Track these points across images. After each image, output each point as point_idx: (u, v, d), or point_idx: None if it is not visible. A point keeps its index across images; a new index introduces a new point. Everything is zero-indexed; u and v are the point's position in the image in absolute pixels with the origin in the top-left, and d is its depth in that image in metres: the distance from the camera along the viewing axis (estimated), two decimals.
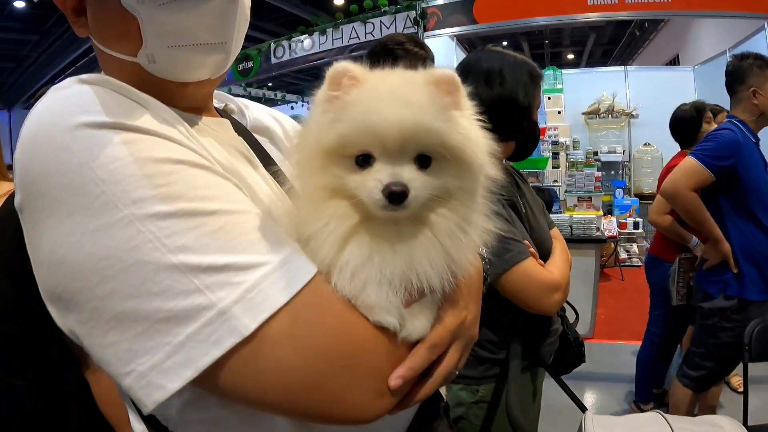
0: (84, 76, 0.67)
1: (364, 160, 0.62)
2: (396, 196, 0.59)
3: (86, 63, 17.38)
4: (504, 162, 1.81)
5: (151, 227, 0.57)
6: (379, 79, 0.65)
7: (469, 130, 0.65)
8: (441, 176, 0.64)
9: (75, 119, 0.60)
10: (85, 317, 0.59)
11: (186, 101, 0.81)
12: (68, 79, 0.68)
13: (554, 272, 1.62)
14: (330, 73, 0.65)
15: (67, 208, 0.58)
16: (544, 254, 1.69)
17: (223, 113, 0.95)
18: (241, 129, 0.91)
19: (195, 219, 0.58)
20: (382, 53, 2.15)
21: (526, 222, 1.69)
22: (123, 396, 0.75)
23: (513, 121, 1.65)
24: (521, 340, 1.64)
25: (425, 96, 0.63)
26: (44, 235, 0.60)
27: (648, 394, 3.73)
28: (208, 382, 0.58)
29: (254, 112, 1.01)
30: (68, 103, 0.63)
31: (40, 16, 15.12)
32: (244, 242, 0.60)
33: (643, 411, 3.61)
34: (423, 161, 0.63)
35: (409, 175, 0.61)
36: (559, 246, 1.77)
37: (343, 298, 0.62)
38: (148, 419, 0.72)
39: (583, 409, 1.65)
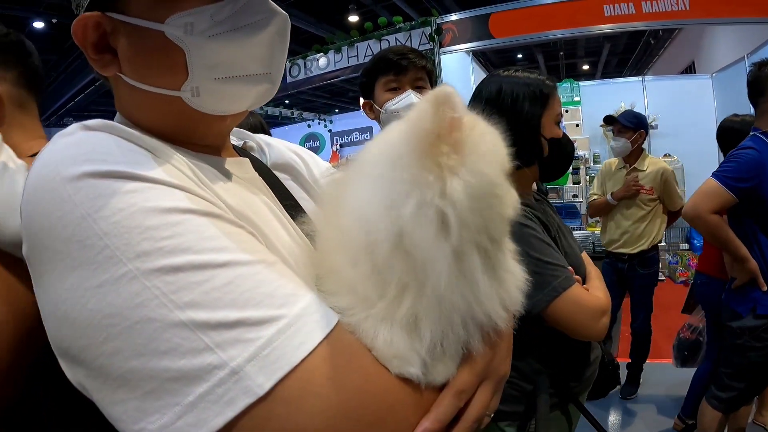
0: (89, 123, 0.65)
1: None
2: None
3: (106, 82, 17.67)
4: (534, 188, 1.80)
5: (156, 282, 0.54)
6: (488, 130, 0.65)
7: None
8: None
9: (77, 169, 0.58)
10: (93, 373, 0.56)
11: (210, 140, 0.80)
12: (73, 126, 0.65)
13: (600, 296, 1.57)
14: (437, 94, 0.59)
15: (71, 263, 0.56)
16: (580, 278, 1.64)
17: (242, 152, 0.92)
18: (261, 168, 0.89)
19: (203, 272, 0.55)
20: (385, 65, 2.10)
21: (560, 246, 1.66)
22: None
23: (524, 144, 1.61)
24: (554, 373, 1.59)
25: None
26: (49, 289, 0.58)
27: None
28: None
29: (275, 150, 1.00)
30: (71, 151, 0.61)
31: (60, 36, 15.38)
32: (258, 295, 0.56)
33: (687, 424, 3.54)
34: None
35: None
36: (594, 270, 1.73)
37: (365, 348, 0.59)
38: None
39: None
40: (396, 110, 2.01)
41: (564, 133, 1.72)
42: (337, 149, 10.79)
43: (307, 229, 0.74)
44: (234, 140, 0.95)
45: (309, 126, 11.37)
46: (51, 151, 0.62)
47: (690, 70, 12.31)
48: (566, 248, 1.69)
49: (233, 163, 0.82)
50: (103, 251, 0.54)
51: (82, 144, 0.62)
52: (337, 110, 18.16)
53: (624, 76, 17.71)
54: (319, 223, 0.70)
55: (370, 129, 9.85)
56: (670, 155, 8.63)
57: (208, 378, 0.52)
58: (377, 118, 2.15)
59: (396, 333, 0.60)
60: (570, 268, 1.54)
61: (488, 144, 0.61)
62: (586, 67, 19.71)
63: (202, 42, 0.69)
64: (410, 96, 2.01)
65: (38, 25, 14.16)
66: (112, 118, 0.77)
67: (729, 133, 3.54)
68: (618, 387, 1.89)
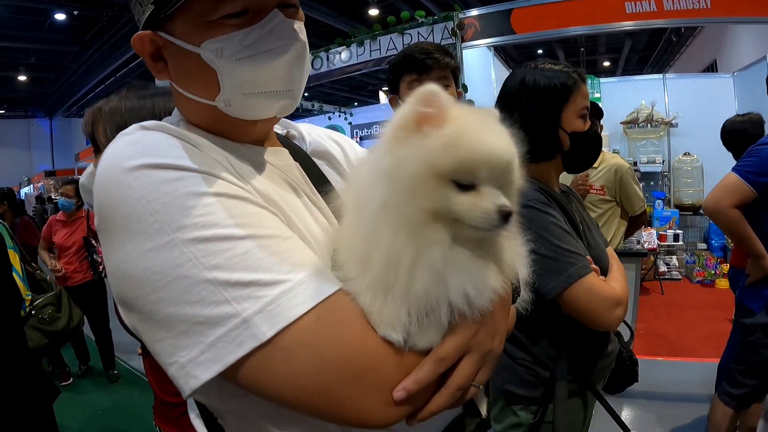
0: (145, 124, 0.81)
1: (465, 186, 0.69)
2: (506, 216, 0.69)
3: (126, 73, 17.80)
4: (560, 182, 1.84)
5: (191, 249, 0.69)
6: (472, 114, 0.74)
7: None
8: (511, 201, 0.71)
9: (135, 161, 0.73)
10: (143, 317, 0.72)
11: (252, 135, 0.93)
12: (132, 126, 0.81)
13: (616, 287, 1.59)
14: (420, 93, 0.72)
15: (129, 233, 0.71)
16: (602, 272, 1.66)
17: (285, 140, 1.04)
18: (300, 154, 1.01)
19: (227, 242, 0.70)
20: (410, 63, 2.13)
21: (584, 239, 1.69)
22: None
23: (541, 137, 1.66)
24: (570, 360, 1.62)
25: (505, 129, 0.73)
26: (113, 253, 0.74)
27: None
28: (233, 378, 0.69)
29: (314, 138, 1.11)
30: (131, 148, 0.76)
31: (81, 27, 15.57)
32: (269, 263, 0.70)
33: None
34: (503, 187, 0.71)
35: (506, 199, 0.70)
36: (615, 263, 1.76)
37: (360, 313, 0.72)
38: (202, 408, 0.87)
39: (627, 430, 1.64)
40: None
41: (591, 125, 1.72)
42: (357, 141, 10.78)
43: (335, 210, 0.85)
44: (278, 129, 1.07)
45: (329, 118, 11.40)
46: (115, 147, 0.78)
47: (712, 68, 12.19)
48: (590, 241, 1.72)
49: (272, 152, 0.95)
50: (153, 225, 0.70)
51: (139, 142, 0.77)
52: (356, 103, 18.17)
53: (645, 74, 17.57)
54: (343, 202, 0.81)
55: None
56: (689, 154, 8.60)
57: (225, 324, 0.67)
58: None
59: (387, 302, 0.70)
60: (589, 257, 1.57)
61: (443, 139, 0.69)
62: (606, 63, 19.59)
63: (230, 64, 0.81)
64: None
65: (60, 16, 14.33)
66: None
67: (735, 134, 3.57)
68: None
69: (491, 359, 0.81)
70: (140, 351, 1.86)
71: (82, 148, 19.96)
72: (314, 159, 1.04)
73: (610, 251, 1.82)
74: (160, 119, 1.13)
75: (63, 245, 5.15)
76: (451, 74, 2.16)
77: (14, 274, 2.58)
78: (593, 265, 1.56)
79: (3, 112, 24.35)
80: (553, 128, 1.67)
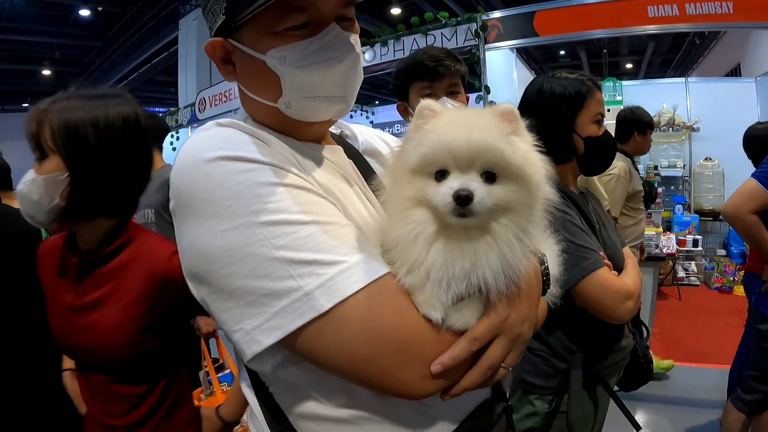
0: (221, 121, 0.93)
1: (441, 176, 0.79)
2: (463, 199, 0.75)
3: (149, 69, 17.98)
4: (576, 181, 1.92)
5: (262, 230, 0.78)
6: (453, 113, 0.83)
7: (527, 152, 0.81)
8: (504, 189, 0.78)
9: (213, 153, 0.83)
10: (212, 290, 0.82)
11: (310, 134, 1.03)
12: (209, 123, 0.93)
13: (627, 281, 1.69)
14: (417, 109, 0.85)
15: (205, 214, 0.81)
16: (617, 270, 1.75)
17: (339, 139, 1.15)
18: (353, 152, 1.12)
19: (293, 226, 0.79)
20: (420, 71, 2.14)
21: (600, 237, 1.78)
22: (236, 360, 1.03)
23: (556, 142, 1.73)
24: (585, 352, 1.69)
25: (490, 123, 0.80)
26: (189, 232, 0.84)
27: None
28: (292, 345, 0.79)
29: (366, 137, 1.23)
30: (209, 141, 0.87)
31: (105, 23, 15.75)
32: (330, 245, 0.80)
33: None
34: (489, 177, 0.78)
35: (475, 185, 0.76)
36: (631, 261, 1.84)
37: (405, 293, 0.81)
38: (252, 378, 0.96)
39: (638, 427, 1.68)
40: None
41: (606, 131, 1.82)
42: None
43: (382, 201, 0.93)
44: (333, 129, 1.16)
45: (351, 117, 11.43)
46: (194, 140, 0.89)
47: (736, 72, 12.07)
48: (606, 239, 1.80)
49: (329, 149, 1.05)
50: (228, 209, 0.80)
51: (216, 137, 0.88)
52: (377, 102, 18.17)
53: (668, 77, 17.42)
54: (388, 191, 0.91)
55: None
56: (710, 159, 8.53)
57: (289, 296, 0.77)
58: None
59: (428, 284, 0.79)
60: (602, 253, 1.65)
61: (415, 139, 0.83)
62: (629, 65, 19.41)
63: (292, 71, 0.91)
64: (445, 104, 2.01)
65: (84, 12, 14.48)
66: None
67: (756, 141, 3.60)
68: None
69: (520, 344, 0.89)
70: (74, 366, 1.71)
71: None
72: (365, 156, 1.13)
73: (626, 250, 1.91)
74: (114, 123, 1.32)
75: None
76: (461, 80, 2.19)
77: None
78: (606, 261, 1.64)
79: (27, 105, 24.64)
80: (568, 133, 1.77)
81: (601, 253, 1.66)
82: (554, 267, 1.00)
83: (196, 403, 2.93)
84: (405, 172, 0.83)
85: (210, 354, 3.54)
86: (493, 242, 0.79)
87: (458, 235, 0.79)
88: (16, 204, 3.22)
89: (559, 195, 1.65)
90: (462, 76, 2.20)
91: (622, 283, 1.66)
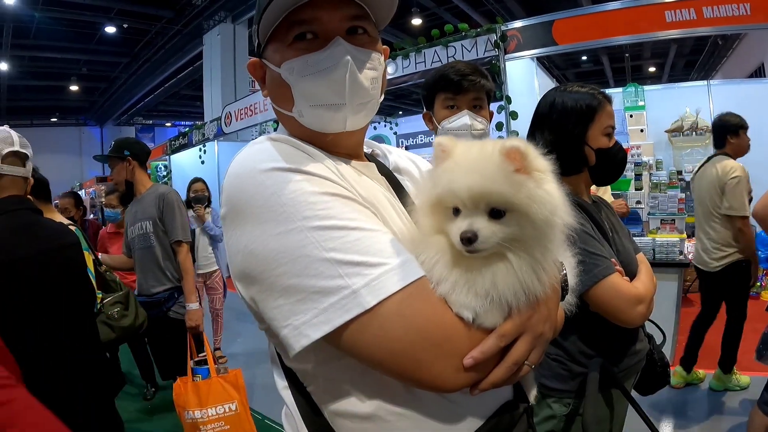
0: (273, 135, 1.04)
1: (456, 211, 0.89)
2: (467, 240, 0.85)
3: (174, 83, 18.28)
4: (591, 191, 2.00)
5: (314, 234, 0.86)
6: (462, 152, 0.92)
7: (532, 191, 0.86)
8: (511, 225, 0.86)
9: (268, 165, 0.92)
10: (263, 288, 0.90)
11: (337, 148, 1.10)
12: (261, 137, 1.04)
13: (639, 286, 1.76)
14: (434, 149, 0.96)
15: (261, 219, 0.89)
16: (630, 276, 1.82)
17: (371, 157, 1.25)
18: (384, 170, 1.20)
19: (342, 231, 0.87)
20: (446, 83, 2.20)
21: (613, 244, 1.86)
22: (271, 357, 1.11)
23: (569, 153, 1.83)
24: (600, 355, 1.76)
25: (494, 165, 0.86)
26: (242, 235, 0.91)
27: None
28: (337, 340, 0.86)
29: (395, 156, 1.32)
30: (262, 154, 0.96)
31: (130, 40, 16.09)
32: (374, 249, 0.87)
33: None
34: (496, 214, 0.86)
35: (480, 225, 0.85)
36: (644, 267, 1.91)
37: (440, 296, 0.88)
38: (290, 378, 1.04)
39: (654, 429, 1.72)
40: (451, 129, 2.17)
41: (616, 142, 1.90)
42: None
43: (413, 216, 1.02)
44: (365, 148, 1.26)
45: (375, 128, 11.49)
46: (250, 153, 0.98)
47: (760, 71, 11.97)
48: (619, 246, 1.88)
49: (362, 165, 1.13)
50: (282, 214, 0.87)
51: (268, 150, 0.97)
52: (400, 112, 18.26)
53: (691, 79, 17.28)
54: (416, 217, 1.01)
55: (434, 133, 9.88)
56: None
57: (338, 293, 0.84)
58: (435, 130, 2.28)
59: (459, 287, 0.88)
60: (614, 260, 1.73)
61: (432, 179, 0.95)
62: (652, 69, 19.27)
63: (299, 80, 1.03)
64: (465, 117, 2.15)
65: (110, 29, 14.82)
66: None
67: None
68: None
69: (542, 342, 0.96)
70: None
71: None
72: (395, 174, 1.23)
73: (640, 257, 1.97)
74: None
75: None
76: (485, 95, 2.23)
77: (88, 273, 2.79)
78: (617, 267, 1.72)
79: (55, 120, 25.27)
80: (579, 145, 1.85)
81: (613, 259, 1.74)
82: (571, 277, 1.09)
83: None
84: (427, 205, 0.95)
85: (211, 347, 4.10)
86: (511, 268, 0.87)
87: (477, 261, 0.88)
88: (57, 217, 3.40)
89: (572, 206, 1.76)
90: (488, 92, 2.25)
91: (633, 288, 1.73)
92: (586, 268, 1.63)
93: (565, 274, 1.06)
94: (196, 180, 6.40)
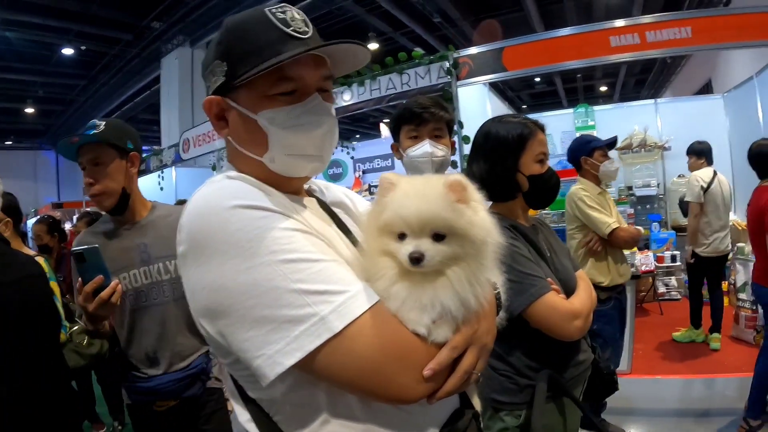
0: (230, 173, 1.09)
1: (401, 236, 0.99)
2: (415, 260, 0.95)
3: (132, 107, 18.08)
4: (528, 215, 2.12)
5: (281, 267, 0.91)
6: (409, 183, 1.03)
7: (472, 218, 0.99)
8: (452, 246, 0.98)
9: (231, 202, 0.97)
10: (233, 321, 0.93)
11: (290, 188, 1.18)
12: (220, 175, 1.09)
13: (575, 302, 1.88)
14: (380, 183, 1.06)
15: (227, 256, 0.93)
16: (569, 292, 1.95)
17: (309, 192, 1.33)
18: (323, 204, 1.29)
19: (306, 263, 0.93)
20: (408, 116, 2.37)
21: (551, 264, 1.98)
22: (230, 392, 1.13)
23: (503, 181, 1.97)
24: (548, 367, 1.86)
25: (440, 195, 0.98)
26: (208, 271, 0.95)
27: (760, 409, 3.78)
28: (310, 364, 0.91)
29: (331, 192, 1.40)
30: (224, 191, 1.01)
31: (88, 62, 15.84)
32: (335, 278, 0.95)
33: (751, 427, 3.72)
34: (438, 237, 0.97)
35: (426, 246, 0.96)
36: (582, 284, 2.03)
37: (394, 315, 0.96)
38: (253, 410, 1.06)
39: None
40: (414, 156, 2.32)
41: (549, 168, 2.04)
42: (359, 175, 11.08)
43: (357, 245, 1.13)
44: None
45: (333, 153, 11.46)
46: (210, 191, 1.03)
47: (707, 88, 12.34)
48: (557, 265, 2.02)
49: (307, 201, 1.23)
50: (249, 249, 0.92)
51: (228, 188, 1.03)
52: (358, 135, 18.33)
53: (642, 97, 17.80)
54: (364, 241, 1.11)
55: (391, 156, 10.04)
56: (684, 176, 8.68)
57: (307, 321, 0.90)
58: (402, 159, 2.44)
59: (408, 303, 0.97)
60: (549, 279, 1.86)
61: (381, 206, 1.04)
62: (604, 88, 19.79)
63: (279, 130, 1.09)
64: (426, 146, 2.30)
65: (67, 51, 14.56)
66: None
67: (761, 157, 3.96)
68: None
69: (486, 352, 1.06)
70: None
71: None
72: (333, 208, 1.31)
73: (580, 273, 2.10)
74: None
75: None
76: (445, 126, 2.40)
77: (55, 303, 2.77)
78: (553, 286, 1.85)
79: (10, 143, 24.62)
80: (512, 172, 1.98)
81: (549, 279, 1.87)
82: (503, 294, 1.20)
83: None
84: (374, 230, 1.04)
85: None
86: (448, 283, 0.97)
87: (419, 277, 0.98)
88: (23, 247, 3.36)
89: (508, 230, 1.87)
90: (447, 122, 2.41)
91: (569, 304, 1.85)
92: (522, 288, 1.77)
93: (499, 292, 1.17)
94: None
